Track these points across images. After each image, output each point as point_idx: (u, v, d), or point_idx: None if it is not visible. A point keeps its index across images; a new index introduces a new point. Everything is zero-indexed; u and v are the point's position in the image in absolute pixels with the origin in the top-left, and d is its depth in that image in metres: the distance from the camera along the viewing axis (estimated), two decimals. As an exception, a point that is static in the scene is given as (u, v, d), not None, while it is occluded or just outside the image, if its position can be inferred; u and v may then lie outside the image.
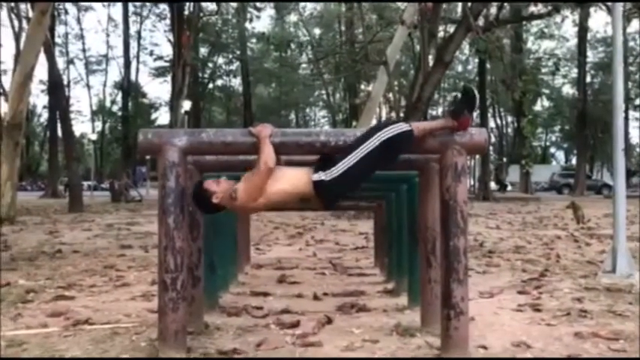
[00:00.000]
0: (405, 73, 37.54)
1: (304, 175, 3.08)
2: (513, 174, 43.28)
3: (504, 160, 49.88)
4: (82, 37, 46.53)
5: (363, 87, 34.82)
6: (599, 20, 55.01)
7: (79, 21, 44.92)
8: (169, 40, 35.89)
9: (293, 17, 40.17)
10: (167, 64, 40.41)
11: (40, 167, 53.61)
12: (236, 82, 49.38)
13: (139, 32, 43.99)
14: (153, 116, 51.61)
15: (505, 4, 19.88)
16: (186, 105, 27.97)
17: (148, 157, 27.97)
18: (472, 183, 33.38)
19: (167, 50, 43.24)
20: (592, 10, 19.45)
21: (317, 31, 37.76)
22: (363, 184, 3.29)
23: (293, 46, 18.71)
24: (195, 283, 3.88)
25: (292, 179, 3.07)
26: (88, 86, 48.70)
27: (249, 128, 3.21)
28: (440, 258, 3.33)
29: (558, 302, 4.68)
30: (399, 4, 23.35)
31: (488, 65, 29.51)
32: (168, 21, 35.49)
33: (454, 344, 3.12)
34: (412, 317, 4.10)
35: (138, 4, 40.82)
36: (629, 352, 3.32)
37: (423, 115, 17.20)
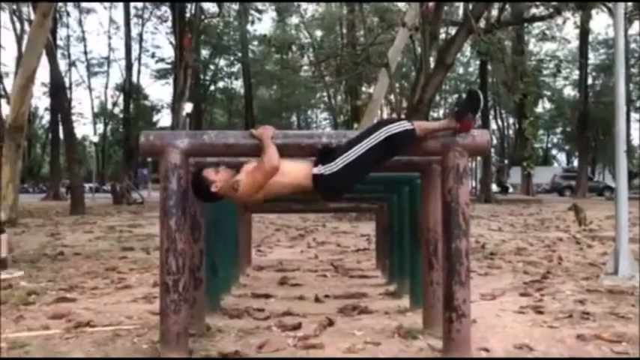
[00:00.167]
0: (407, 75, 37.53)
1: (304, 167, 3.08)
2: (515, 176, 43.24)
3: (506, 161, 49.85)
4: (83, 39, 46.67)
5: (364, 89, 34.89)
6: (600, 22, 55.21)
7: (80, 23, 45.00)
8: (171, 43, 35.93)
9: (294, 19, 40.21)
10: (169, 66, 40.45)
11: (42, 169, 53.70)
12: (237, 85, 49.45)
13: (140, 34, 44.05)
14: (154, 118, 51.69)
15: (506, 6, 19.89)
16: (188, 107, 27.99)
17: (149, 159, 28.02)
18: (474, 185, 33.31)
19: (169, 52, 43.46)
20: (593, 12, 19.43)
21: (318, 34, 37.78)
22: (362, 181, 3.28)
23: (294, 48, 18.71)
24: (196, 285, 3.88)
25: (292, 172, 3.07)
26: (90, 88, 48.82)
27: (250, 130, 3.21)
28: (442, 260, 3.32)
29: (560, 304, 4.67)
30: (401, 6, 23.37)
31: (489, 67, 29.50)
32: (169, 23, 35.52)
33: (456, 346, 3.11)
34: (414, 319, 4.10)
35: (139, 5, 40.89)
36: (632, 355, 3.31)
37: (425, 117, 17.18)
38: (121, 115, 44.83)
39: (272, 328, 3.95)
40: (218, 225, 4.41)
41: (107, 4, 42.75)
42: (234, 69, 47.03)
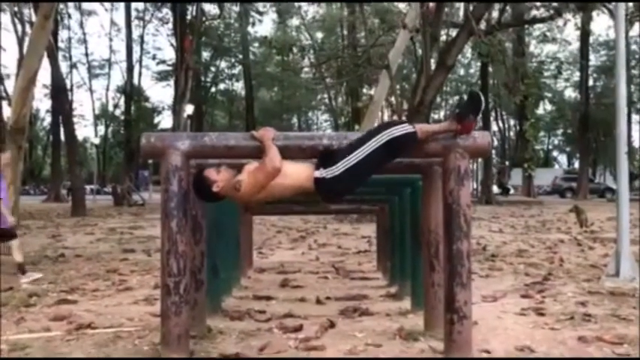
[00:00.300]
0: (408, 76, 37.53)
1: (306, 170, 3.08)
2: (516, 177, 43.19)
3: (507, 163, 49.80)
4: (85, 41, 46.56)
5: (365, 91, 34.87)
6: (601, 24, 55.17)
7: (82, 25, 44.93)
8: (172, 45, 35.89)
9: (295, 21, 40.21)
10: (170, 68, 40.44)
11: (43, 171, 53.69)
12: (238, 86, 49.44)
13: (141, 36, 44.01)
14: (155, 120, 51.64)
15: (507, 7, 19.89)
16: (189, 109, 28.01)
17: (150, 160, 28.03)
18: (475, 186, 33.30)
19: (170, 54, 43.52)
20: (594, 13, 19.43)
21: (319, 35, 37.79)
22: (363, 184, 3.28)
23: (295, 50, 18.67)
24: (198, 287, 3.88)
25: (294, 174, 3.06)
26: (91, 90, 48.72)
27: (251, 132, 3.22)
28: (443, 262, 3.32)
29: (562, 306, 4.66)
30: (401, 7, 23.37)
31: (490, 69, 29.49)
32: (170, 25, 35.50)
33: (457, 348, 3.11)
34: (415, 321, 4.10)
35: (140, 7, 40.92)
36: (633, 356, 3.31)
37: (426, 119, 17.17)
38: (122, 117, 44.86)
39: (273, 330, 3.95)
40: (219, 227, 4.41)
41: (108, 6, 42.84)
42: (235, 71, 47.04)
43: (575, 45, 40.80)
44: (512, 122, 52.08)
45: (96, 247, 9.47)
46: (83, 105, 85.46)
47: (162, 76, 45.06)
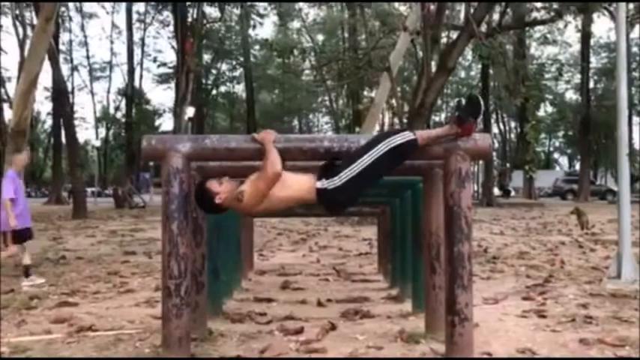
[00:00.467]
0: (408, 79, 37.55)
1: (308, 181, 3.07)
2: (517, 179, 43.20)
3: (508, 165, 49.80)
4: (86, 44, 46.58)
5: (366, 93, 34.88)
6: (602, 26, 55.13)
7: (83, 28, 44.99)
8: (173, 47, 35.90)
9: (296, 24, 40.30)
10: (171, 70, 40.45)
11: (44, 174, 53.72)
12: (239, 89, 49.48)
13: (142, 39, 44.02)
14: (156, 123, 51.70)
15: (508, 10, 19.90)
16: (190, 111, 28.02)
17: (151, 163, 28.04)
18: (475, 189, 33.30)
19: (171, 57, 43.37)
20: (595, 15, 19.44)
21: (320, 38, 37.83)
22: (365, 193, 3.29)
23: (296, 52, 18.67)
24: (199, 289, 3.88)
25: (296, 185, 3.06)
26: (92, 93, 48.81)
27: (252, 134, 3.22)
28: (444, 264, 3.32)
29: (563, 308, 4.66)
30: (402, 10, 23.40)
31: (491, 71, 29.49)
32: (171, 28, 35.54)
33: (459, 351, 3.10)
34: (416, 323, 4.09)
35: (141, 10, 40.97)
36: (635, 359, 3.30)
37: (426, 121, 17.18)
38: (123, 120, 44.85)
39: (274, 332, 3.95)
40: (220, 229, 4.41)
41: (109, 9, 42.92)
42: (236, 73, 47.09)
43: (576, 47, 40.86)
44: (513, 124, 52.07)
45: (97, 250, 9.47)
46: (84, 107, 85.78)
47: (163, 79, 45.12)
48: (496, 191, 34.44)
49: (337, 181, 3.00)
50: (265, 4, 34.75)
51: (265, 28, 53.38)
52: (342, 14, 31.31)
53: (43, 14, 12.98)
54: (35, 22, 17.12)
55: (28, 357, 3.41)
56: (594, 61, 42.91)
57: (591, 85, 41.70)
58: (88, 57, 47.27)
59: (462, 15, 21.19)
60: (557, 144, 62.97)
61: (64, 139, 26.82)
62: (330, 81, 30.57)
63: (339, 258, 8.61)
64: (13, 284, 5.95)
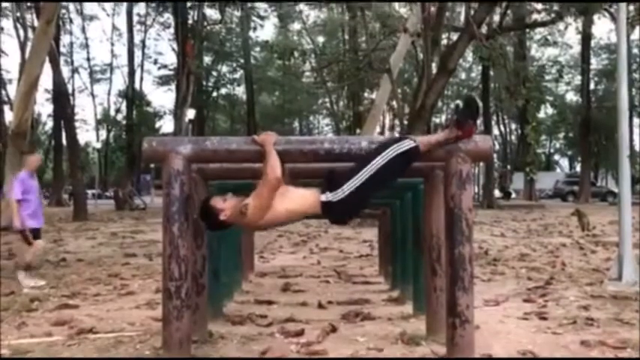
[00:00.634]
0: (409, 80, 37.58)
1: (312, 195, 3.07)
2: (517, 181, 43.20)
3: (508, 167, 49.79)
4: (86, 46, 46.61)
5: (366, 95, 34.90)
6: (602, 27, 55.15)
7: (83, 30, 45.03)
8: (173, 49, 35.91)
9: (296, 26, 40.31)
10: (171, 72, 40.48)
11: (45, 176, 53.81)
12: (240, 91, 49.51)
13: (143, 41, 44.04)
14: (157, 125, 51.68)
15: (508, 11, 19.90)
16: (191, 113, 28.03)
17: (152, 165, 28.06)
18: (476, 190, 33.31)
19: (171, 59, 43.46)
20: (595, 17, 19.46)
21: (320, 40, 37.83)
22: (369, 203, 3.28)
23: (296, 54, 18.70)
24: (199, 291, 3.88)
25: (300, 200, 3.06)
26: (93, 95, 48.76)
27: (253, 136, 3.22)
28: (445, 266, 3.31)
29: (564, 310, 4.65)
30: (403, 12, 23.41)
31: (491, 72, 29.53)
32: (172, 30, 35.57)
33: (460, 353, 3.10)
34: (417, 325, 4.09)
35: (142, 12, 41.00)
36: (637, 361, 3.30)
37: (427, 123, 17.18)
38: (124, 122, 44.87)
39: (275, 334, 3.94)
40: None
41: (110, 11, 42.95)
42: (237, 75, 47.10)
43: (577, 48, 40.83)
44: (513, 126, 52.08)
45: (97, 252, 9.47)
46: (85, 109, 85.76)
47: (163, 81, 45.13)
48: (497, 193, 34.43)
49: (340, 193, 3.00)
50: (266, 6, 34.77)
51: (266, 30, 53.42)
52: (343, 16, 31.30)
53: (43, 16, 13.00)
54: (36, 24, 17.14)
55: (28, 359, 3.41)
56: (595, 63, 42.95)
57: (592, 86, 41.72)
58: (88, 59, 47.33)
59: (463, 16, 21.22)
60: (557, 146, 62.96)
61: (64, 141, 26.85)
62: (331, 83, 30.61)
63: (339, 260, 8.60)
64: (13, 287, 5.95)
